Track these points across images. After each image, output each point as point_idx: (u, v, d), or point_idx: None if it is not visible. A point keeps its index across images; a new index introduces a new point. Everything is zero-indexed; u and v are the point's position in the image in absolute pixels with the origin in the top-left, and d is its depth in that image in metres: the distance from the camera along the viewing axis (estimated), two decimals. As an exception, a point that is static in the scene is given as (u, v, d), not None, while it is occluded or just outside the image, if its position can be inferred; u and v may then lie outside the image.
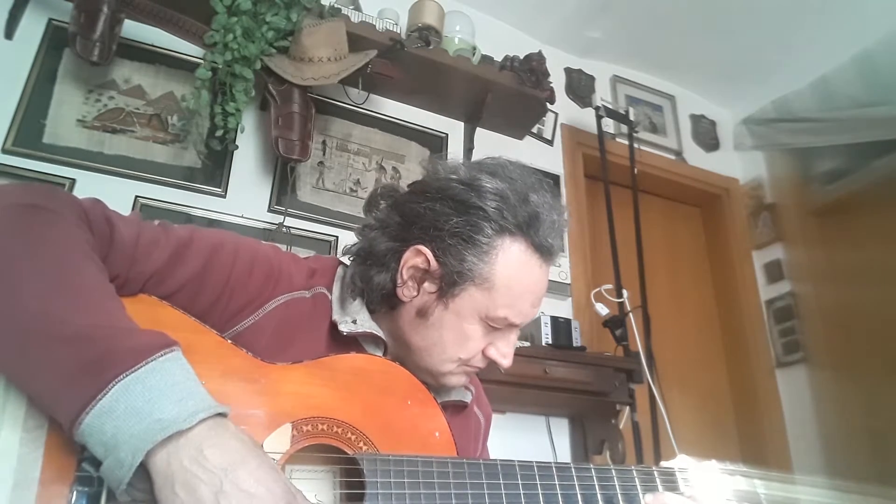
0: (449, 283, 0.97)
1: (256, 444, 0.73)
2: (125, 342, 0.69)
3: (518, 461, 0.90)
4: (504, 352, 1.02)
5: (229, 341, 0.86)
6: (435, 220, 0.98)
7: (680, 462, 1.02)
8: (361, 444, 0.86)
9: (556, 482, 0.91)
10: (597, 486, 0.93)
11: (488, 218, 0.96)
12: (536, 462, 0.91)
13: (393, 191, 1.09)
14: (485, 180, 0.99)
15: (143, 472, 0.66)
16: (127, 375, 0.66)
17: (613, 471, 0.95)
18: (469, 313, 0.98)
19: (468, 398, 1.13)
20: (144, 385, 0.67)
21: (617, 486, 0.94)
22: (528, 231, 0.98)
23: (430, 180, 1.05)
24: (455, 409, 1.12)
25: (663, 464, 1.02)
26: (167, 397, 0.67)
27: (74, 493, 0.69)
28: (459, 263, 0.96)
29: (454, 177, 1.02)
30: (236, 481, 0.66)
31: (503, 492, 0.87)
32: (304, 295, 1.00)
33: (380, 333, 1.01)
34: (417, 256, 0.99)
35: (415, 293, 1.00)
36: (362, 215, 1.11)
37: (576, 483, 0.92)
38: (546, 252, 1.00)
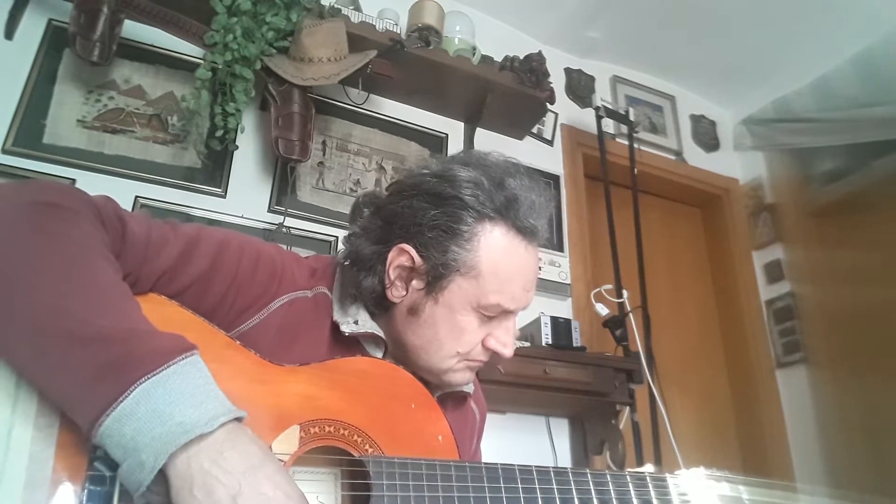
0: (436, 276, 0.97)
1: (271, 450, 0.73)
2: (146, 344, 0.69)
3: (518, 465, 0.92)
4: (504, 341, 1.01)
5: (238, 342, 0.86)
6: (413, 217, 0.98)
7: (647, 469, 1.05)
8: (367, 447, 0.87)
9: (554, 486, 0.93)
10: (593, 491, 0.95)
11: (465, 206, 0.96)
12: (535, 466, 0.93)
13: (374, 198, 1.09)
14: (458, 170, 0.99)
15: (160, 474, 0.66)
16: (149, 378, 0.66)
17: (608, 475, 0.98)
18: (460, 305, 0.97)
19: (470, 389, 1.14)
20: (166, 388, 0.67)
21: (612, 491, 0.96)
22: (508, 214, 0.98)
23: (404, 179, 1.06)
24: (454, 403, 1.12)
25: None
26: (188, 401, 0.67)
27: (86, 492, 0.69)
28: (443, 255, 0.96)
29: (426, 171, 1.02)
30: (255, 484, 0.67)
31: (504, 495, 0.88)
32: (306, 294, 1.00)
33: (380, 333, 1.01)
34: (401, 255, 0.99)
35: (404, 292, 1.00)
36: None
37: (573, 487, 0.94)
38: (529, 233, 1.00)
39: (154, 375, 0.67)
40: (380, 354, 1.03)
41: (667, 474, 1.03)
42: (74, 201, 0.79)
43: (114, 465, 0.66)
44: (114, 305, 0.73)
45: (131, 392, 0.65)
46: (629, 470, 1.02)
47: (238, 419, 0.71)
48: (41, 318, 0.69)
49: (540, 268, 1.04)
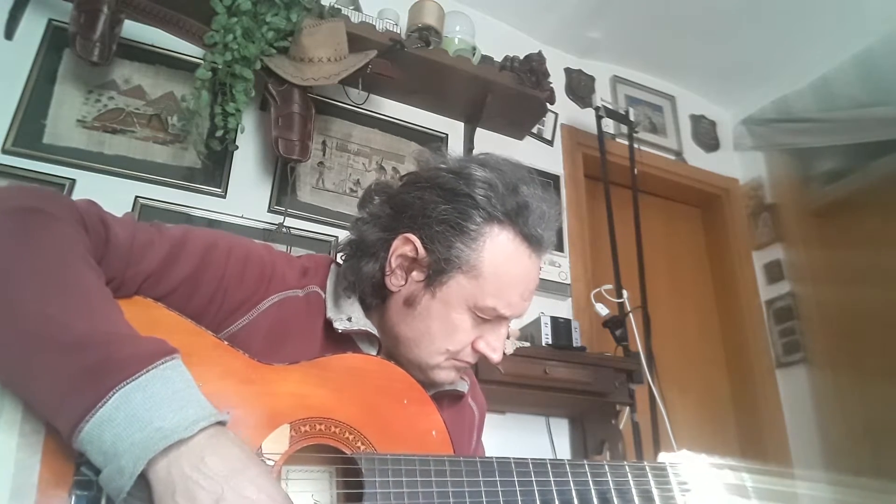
0: (437, 270, 0.97)
1: (255, 453, 0.73)
2: (125, 349, 0.69)
3: (513, 458, 0.91)
4: (494, 345, 1.01)
5: (226, 343, 0.86)
6: (423, 209, 0.98)
7: (679, 457, 1.04)
8: (359, 444, 0.86)
9: (551, 478, 0.92)
10: (590, 482, 0.94)
11: (476, 205, 0.96)
12: (531, 459, 0.92)
13: (387, 186, 1.09)
14: (474, 169, 0.99)
15: (142, 480, 0.65)
16: (128, 383, 0.66)
17: (606, 466, 0.97)
18: (457, 302, 0.97)
19: (464, 388, 1.13)
20: (145, 393, 0.66)
21: (610, 481, 0.96)
22: (517, 220, 0.98)
23: (420, 171, 1.06)
24: (450, 401, 1.12)
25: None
26: (167, 405, 0.67)
27: (73, 497, 0.69)
28: (447, 250, 0.96)
29: (443, 166, 1.02)
30: (237, 488, 0.66)
31: (499, 489, 0.88)
32: (297, 294, 1.00)
33: (374, 331, 1.01)
34: (406, 244, 0.99)
35: (403, 282, 1.00)
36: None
37: (570, 479, 0.93)
38: (535, 242, 0.99)
39: (133, 380, 0.67)
40: (374, 352, 1.02)
41: (667, 463, 1.03)
42: (56, 206, 0.79)
43: (100, 472, 0.66)
44: (94, 310, 0.72)
45: (110, 397, 0.65)
46: (649, 462, 1.02)
47: (220, 423, 0.71)
48: (21, 323, 0.69)
49: (540, 267, 1.04)
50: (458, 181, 0.98)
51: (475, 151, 2.83)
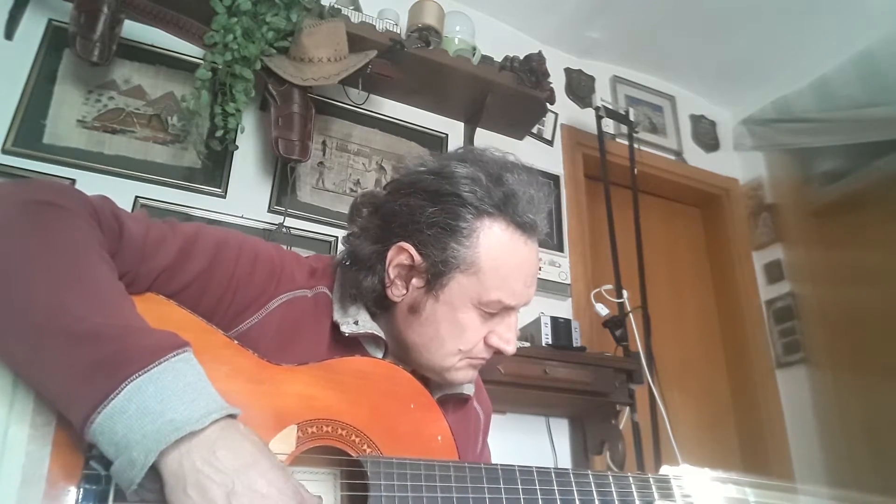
0: (435, 274, 0.96)
1: (266, 445, 0.73)
2: (138, 342, 0.69)
3: (518, 466, 0.91)
4: (506, 337, 1.01)
5: (236, 342, 0.86)
6: (412, 215, 0.98)
7: (682, 470, 1.03)
8: (365, 447, 0.86)
9: (555, 487, 0.92)
10: (594, 492, 0.94)
11: (464, 203, 0.96)
12: (536, 467, 0.92)
13: (373, 197, 1.08)
14: (455, 167, 0.99)
15: (154, 472, 0.66)
16: (140, 375, 0.66)
17: (611, 477, 0.97)
18: (461, 302, 0.97)
19: (470, 391, 1.13)
20: (157, 385, 0.67)
21: (614, 493, 0.96)
22: (507, 209, 0.97)
23: (401, 177, 1.05)
24: (456, 404, 1.12)
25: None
26: (179, 398, 0.67)
27: (82, 490, 0.69)
28: (442, 252, 0.95)
29: (423, 169, 1.02)
30: (248, 482, 0.67)
31: (503, 496, 0.88)
32: (305, 294, 1.00)
33: (381, 334, 1.01)
34: (401, 254, 0.98)
35: (404, 291, 1.00)
36: None
37: (574, 489, 0.93)
38: (528, 228, 0.99)
39: (145, 372, 0.67)
40: (380, 355, 1.02)
41: (671, 476, 1.03)
42: (70, 200, 0.79)
43: (109, 464, 0.67)
44: (108, 303, 0.73)
45: (122, 389, 0.65)
46: (653, 475, 1.01)
47: (231, 416, 0.71)
48: (35, 315, 0.69)
49: (540, 268, 1.03)
50: (440, 181, 0.98)
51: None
